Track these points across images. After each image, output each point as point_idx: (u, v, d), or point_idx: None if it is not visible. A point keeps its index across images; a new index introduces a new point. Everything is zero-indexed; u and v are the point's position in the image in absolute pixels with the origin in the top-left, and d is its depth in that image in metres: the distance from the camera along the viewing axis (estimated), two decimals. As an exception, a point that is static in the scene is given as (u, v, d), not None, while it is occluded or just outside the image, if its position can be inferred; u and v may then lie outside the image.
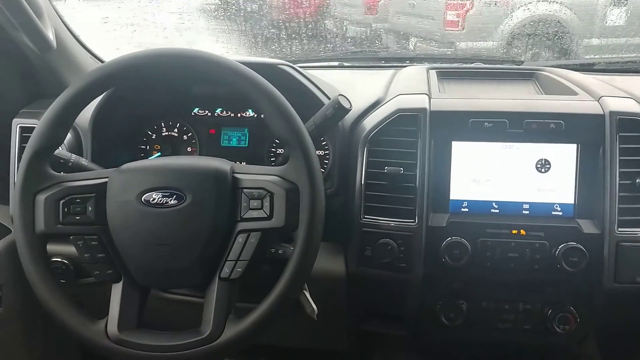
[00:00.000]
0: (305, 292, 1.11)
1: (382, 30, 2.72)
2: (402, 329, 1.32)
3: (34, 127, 1.28)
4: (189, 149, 1.45)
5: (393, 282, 1.20)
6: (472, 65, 1.63)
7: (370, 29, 2.78)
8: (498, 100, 1.23)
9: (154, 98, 1.41)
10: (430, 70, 1.48)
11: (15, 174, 1.30)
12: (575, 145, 1.17)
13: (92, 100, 1.06)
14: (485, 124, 1.17)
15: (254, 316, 0.93)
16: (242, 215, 0.95)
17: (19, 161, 1.30)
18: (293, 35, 1.74)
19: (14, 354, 1.40)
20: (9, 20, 1.17)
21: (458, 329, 1.23)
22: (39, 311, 1.40)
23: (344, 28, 2.52)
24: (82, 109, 1.02)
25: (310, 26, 1.86)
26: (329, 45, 1.85)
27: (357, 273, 1.22)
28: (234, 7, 1.79)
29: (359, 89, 1.37)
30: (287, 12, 1.99)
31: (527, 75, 1.49)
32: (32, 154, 0.97)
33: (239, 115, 1.43)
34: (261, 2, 1.94)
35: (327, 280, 1.24)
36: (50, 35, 1.24)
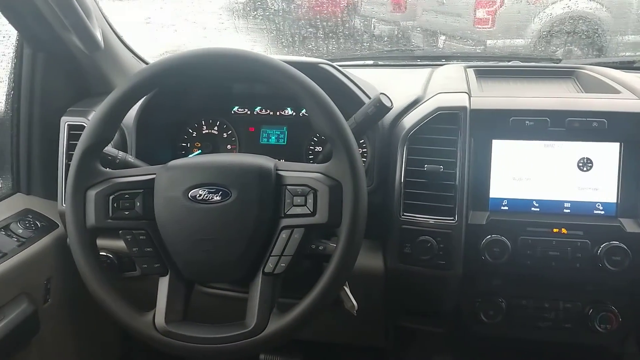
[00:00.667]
0: (346, 288, 1.12)
1: (418, 29, 2.71)
2: (440, 326, 1.33)
3: (81, 125, 1.33)
4: (228, 146, 1.47)
5: (432, 279, 1.21)
6: (510, 63, 1.62)
7: (399, 27, 2.76)
8: (539, 99, 1.23)
9: (195, 97, 1.44)
10: (467, 69, 1.48)
11: (64, 171, 1.34)
12: (618, 144, 1.16)
13: (140, 99, 1.09)
14: (526, 122, 1.16)
15: (297, 310, 0.95)
16: (285, 211, 0.97)
17: (67, 158, 1.34)
18: (330, 35, 1.75)
19: (61, 343, 1.44)
20: (61, 21, 1.21)
21: (497, 326, 1.24)
22: (83, 303, 1.46)
23: (372, 26, 2.51)
24: (130, 108, 1.05)
25: (347, 25, 1.88)
26: (364, 44, 1.86)
27: (396, 270, 1.23)
28: (272, 7, 1.81)
29: (396, 88, 1.38)
30: (316, 11, 2.00)
31: (566, 74, 1.48)
32: (84, 151, 1.00)
33: (277, 113, 1.45)
34: (291, 2, 1.96)
35: (365, 277, 1.25)
36: (99, 36, 1.27)
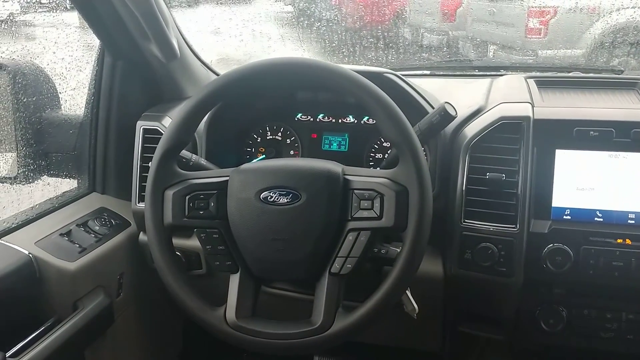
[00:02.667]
0: (407, 291, 1.15)
1: (468, 39, 2.70)
2: (499, 333, 1.34)
3: (155, 129, 1.40)
4: (291, 152, 1.53)
5: (492, 285, 1.23)
6: (570, 74, 1.62)
7: (448, 37, 2.76)
8: (603, 110, 1.24)
9: (261, 104, 1.50)
10: (528, 79, 1.49)
11: (138, 172, 1.42)
12: (684, 155, 1.15)
13: (215, 105, 1.15)
14: (591, 132, 1.17)
15: (362, 310, 0.98)
16: (352, 214, 1.00)
17: (141, 160, 1.41)
18: (390, 45, 1.79)
19: (130, 336, 1.52)
20: (142, 31, 1.29)
21: (557, 335, 1.24)
22: (150, 298, 1.53)
23: (421, 36, 2.52)
24: (206, 114, 1.12)
25: (399, 35, 1.90)
26: (423, 54, 1.89)
27: (456, 275, 1.25)
28: (335, 19, 1.87)
29: (457, 97, 1.39)
30: (374, 22, 2.04)
31: (629, 85, 1.47)
32: (163, 153, 1.07)
33: (339, 121, 1.49)
34: (356, 17, 2.01)
35: (424, 281, 1.27)
36: (175, 45, 1.35)
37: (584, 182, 1.19)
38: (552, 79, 1.52)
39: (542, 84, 1.47)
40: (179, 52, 1.37)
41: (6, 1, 1.83)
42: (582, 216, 1.19)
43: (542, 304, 1.25)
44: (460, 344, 1.44)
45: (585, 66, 1.78)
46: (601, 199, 1.19)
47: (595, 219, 1.19)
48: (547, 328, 1.24)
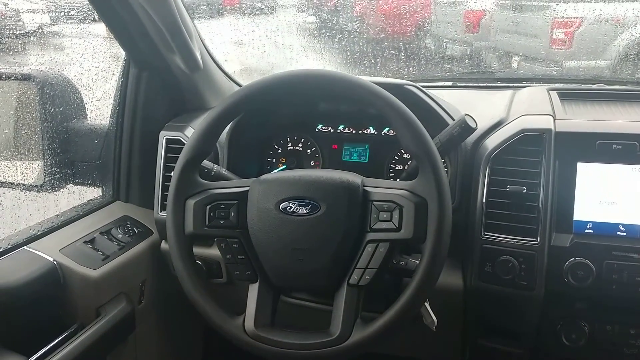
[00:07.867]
0: (426, 303, 1.15)
1: (492, 50, 2.69)
2: (519, 346, 1.32)
3: (178, 139, 1.43)
4: (312, 162, 1.53)
5: (513, 298, 1.21)
6: (594, 86, 1.60)
7: (472, 48, 2.74)
8: (626, 122, 1.22)
9: (282, 115, 1.52)
10: (550, 91, 1.48)
11: (161, 181, 1.44)
12: None
13: (237, 116, 1.16)
14: (614, 146, 1.16)
15: (380, 322, 0.98)
16: (371, 226, 1.01)
17: (164, 170, 1.44)
18: (412, 56, 1.80)
19: (151, 342, 1.54)
20: (167, 43, 1.31)
21: (579, 350, 1.22)
22: (171, 306, 1.55)
23: (444, 46, 2.52)
24: (228, 125, 1.13)
25: (422, 46, 1.90)
26: (445, 65, 1.89)
27: (477, 288, 1.24)
28: (356, 30, 1.88)
29: (478, 109, 1.39)
30: (395, 33, 2.05)
31: None
32: (184, 164, 1.09)
33: (360, 132, 1.50)
34: (376, 27, 2.02)
35: (443, 294, 1.27)
36: (199, 57, 1.37)
37: (607, 196, 1.18)
38: (575, 91, 1.51)
39: (565, 96, 1.46)
40: (202, 63, 1.40)
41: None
42: (605, 230, 1.18)
43: (564, 319, 1.23)
44: (479, 357, 1.43)
45: (609, 78, 1.76)
46: (624, 213, 1.17)
47: (618, 233, 1.17)
48: (568, 343, 1.22)
